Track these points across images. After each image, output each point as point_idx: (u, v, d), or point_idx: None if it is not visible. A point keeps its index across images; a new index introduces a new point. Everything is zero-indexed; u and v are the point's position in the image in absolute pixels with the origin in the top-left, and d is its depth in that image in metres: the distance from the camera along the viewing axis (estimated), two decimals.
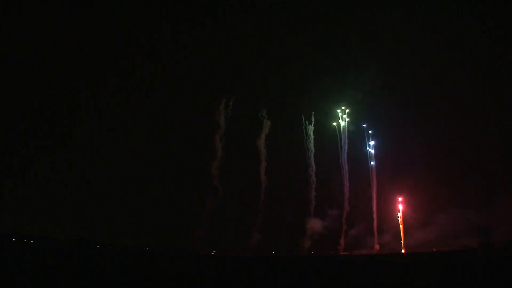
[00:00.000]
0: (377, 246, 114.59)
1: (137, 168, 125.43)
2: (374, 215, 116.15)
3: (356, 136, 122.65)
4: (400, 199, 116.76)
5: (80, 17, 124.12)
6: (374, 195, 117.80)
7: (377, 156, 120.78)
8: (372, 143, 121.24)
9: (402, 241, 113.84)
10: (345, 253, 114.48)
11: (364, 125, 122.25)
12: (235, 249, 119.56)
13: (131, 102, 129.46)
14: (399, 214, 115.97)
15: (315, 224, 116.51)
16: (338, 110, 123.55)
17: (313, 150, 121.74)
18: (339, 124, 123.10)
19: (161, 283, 44.33)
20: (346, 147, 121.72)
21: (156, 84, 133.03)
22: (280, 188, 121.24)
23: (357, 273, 54.58)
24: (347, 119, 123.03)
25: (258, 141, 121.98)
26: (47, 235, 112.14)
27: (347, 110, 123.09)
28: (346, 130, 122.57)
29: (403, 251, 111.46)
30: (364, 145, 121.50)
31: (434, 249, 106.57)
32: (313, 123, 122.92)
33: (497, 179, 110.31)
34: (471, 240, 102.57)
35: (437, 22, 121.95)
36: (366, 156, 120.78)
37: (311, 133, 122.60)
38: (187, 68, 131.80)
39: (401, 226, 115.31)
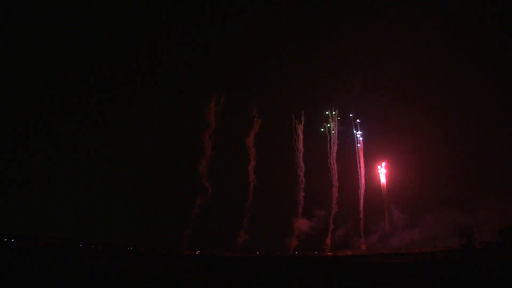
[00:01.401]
0: (363, 246, 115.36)
1: (124, 166, 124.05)
2: (361, 215, 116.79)
3: (345, 137, 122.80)
4: (383, 163, 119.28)
5: (73, 13, 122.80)
6: (362, 185, 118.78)
7: (365, 151, 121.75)
8: (359, 132, 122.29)
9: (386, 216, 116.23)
10: (329, 253, 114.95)
11: (351, 115, 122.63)
12: (222, 249, 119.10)
13: (120, 100, 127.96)
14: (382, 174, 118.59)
15: (302, 224, 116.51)
16: (327, 112, 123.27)
17: (302, 150, 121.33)
18: (329, 124, 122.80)
19: (144, 282, 43.84)
20: (335, 147, 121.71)
21: (145, 82, 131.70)
22: (268, 187, 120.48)
23: (341, 274, 54.84)
24: (336, 120, 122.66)
25: (248, 140, 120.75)
26: (29, 234, 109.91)
27: (336, 112, 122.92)
28: (336, 130, 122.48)
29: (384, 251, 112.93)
30: (353, 146, 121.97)
31: (417, 250, 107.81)
32: (303, 122, 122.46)
33: (480, 181, 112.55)
34: (454, 241, 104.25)
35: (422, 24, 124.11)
36: (354, 153, 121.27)
37: (301, 133, 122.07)
38: (177, 66, 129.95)
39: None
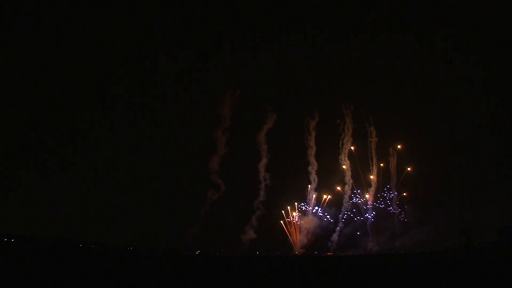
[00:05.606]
0: (371, 245, 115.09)
1: (132, 162, 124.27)
2: (372, 214, 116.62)
3: (359, 135, 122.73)
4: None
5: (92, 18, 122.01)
6: (374, 183, 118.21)
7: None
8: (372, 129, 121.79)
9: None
10: (329, 253, 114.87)
11: (364, 111, 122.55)
12: (228, 248, 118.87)
13: (128, 94, 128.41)
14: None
15: (310, 223, 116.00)
16: (343, 109, 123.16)
17: (315, 147, 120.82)
18: (343, 121, 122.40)
19: (143, 282, 43.78)
20: (348, 144, 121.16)
21: (157, 76, 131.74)
22: (279, 185, 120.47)
23: (338, 274, 54.77)
24: (350, 116, 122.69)
25: (260, 137, 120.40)
26: (29, 234, 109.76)
27: (351, 108, 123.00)
28: (350, 127, 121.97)
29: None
30: (366, 143, 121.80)
31: (416, 250, 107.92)
32: (316, 119, 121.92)
33: (480, 182, 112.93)
34: (455, 240, 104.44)
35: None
36: (367, 150, 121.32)
37: (313, 130, 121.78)
38: (190, 61, 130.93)
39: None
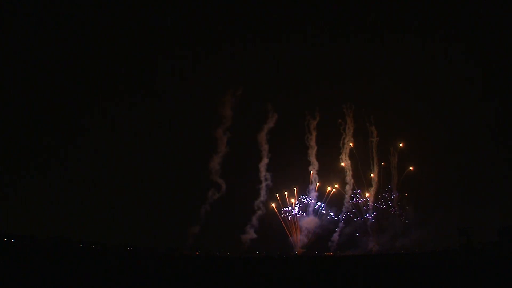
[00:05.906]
0: (371, 245, 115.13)
1: (132, 162, 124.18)
2: (373, 214, 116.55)
3: (359, 134, 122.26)
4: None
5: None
6: (375, 183, 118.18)
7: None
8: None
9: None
10: (329, 253, 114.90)
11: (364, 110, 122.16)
12: (228, 248, 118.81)
13: (132, 91, 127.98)
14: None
15: (311, 223, 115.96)
16: (343, 107, 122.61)
17: (316, 147, 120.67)
18: (343, 121, 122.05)
19: (144, 282, 43.80)
20: (349, 144, 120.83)
21: (157, 76, 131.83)
22: (280, 185, 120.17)
23: (338, 274, 54.79)
24: (351, 116, 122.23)
25: (261, 136, 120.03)
26: (29, 234, 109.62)
27: (352, 108, 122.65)
28: (351, 127, 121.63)
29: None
30: (367, 142, 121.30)
31: (416, 250, 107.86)
32: (317, 118, 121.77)
33: (480, 181, 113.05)
34: (455, 240, 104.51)
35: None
36: (368, 150, 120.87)
37: (313, 129, 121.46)
38: (191, 60, 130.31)
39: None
